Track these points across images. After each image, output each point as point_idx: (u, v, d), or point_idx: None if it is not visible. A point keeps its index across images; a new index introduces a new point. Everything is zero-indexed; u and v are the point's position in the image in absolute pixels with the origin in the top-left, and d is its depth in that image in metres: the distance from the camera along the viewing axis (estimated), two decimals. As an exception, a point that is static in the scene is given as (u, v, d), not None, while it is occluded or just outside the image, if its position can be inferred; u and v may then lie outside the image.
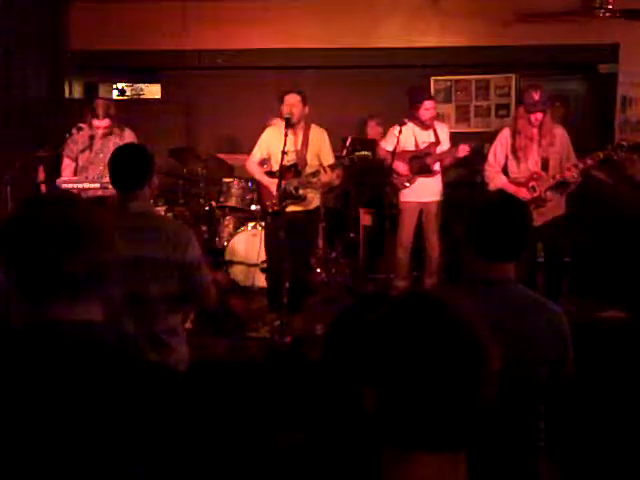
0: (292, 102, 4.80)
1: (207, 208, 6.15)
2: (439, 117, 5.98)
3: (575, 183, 4.76)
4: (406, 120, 5.26)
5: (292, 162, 4.83)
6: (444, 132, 5.54)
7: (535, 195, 4.76)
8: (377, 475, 1.09)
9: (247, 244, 5.92)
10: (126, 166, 2.77)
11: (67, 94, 6.91)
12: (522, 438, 2.08)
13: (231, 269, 5.96)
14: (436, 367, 1.02)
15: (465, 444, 1.08)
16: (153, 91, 7.45)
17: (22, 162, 4.85)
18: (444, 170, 5.61)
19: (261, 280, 5.57)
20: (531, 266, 4.80)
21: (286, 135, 4.62)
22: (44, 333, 1.24)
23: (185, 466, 1.20)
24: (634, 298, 4.97)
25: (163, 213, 5.56)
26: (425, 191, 5.49)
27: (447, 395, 1.02)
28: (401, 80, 6.47)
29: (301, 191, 4.87)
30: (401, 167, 5.45)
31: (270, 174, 4.98)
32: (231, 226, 6.20)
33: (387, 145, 5.49)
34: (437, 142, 5.46)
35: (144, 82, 7.43)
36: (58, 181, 4.89)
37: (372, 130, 6.65)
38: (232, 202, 6.07)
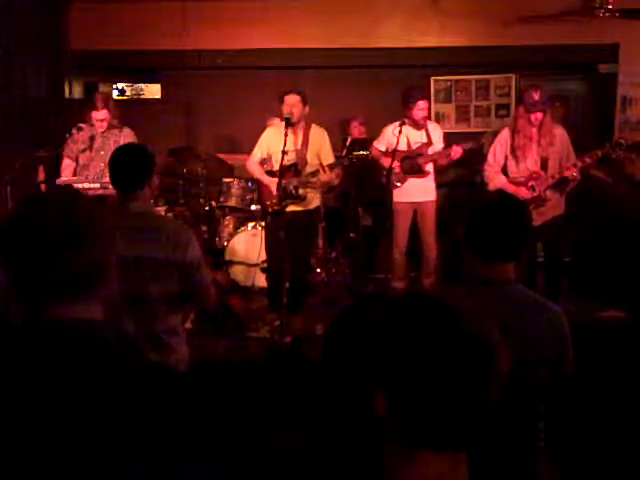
0: (292, 102, 4.80)
1: (207, 208, 6.15)
2: (439, 117, 5.98)
3: (574, 181, 4.76)
4: (406, 120, 5.25)
5: (292, 162, 4.84)
6: (437, 132, 5.51)
7: (534, 195, 4.77)
8: (378, 475, 1.09)
9: (247, 244, 5.92)
10: (126, 166, 2.77)
11: (67, 94, 6.91)
12: (522, 438, 2.08)
13: (231, 269, 5.96)
14: (443, 368, 1.02)
15: (467, 444, 1.08)
16: (153, 91, 7.45)
17: (22, 162, 4.85)
18: (441, 170, 5.60)
19: (261, 280, 5.57)
20: (531, 266, 4.81)
21: (286, 135, 4.62)
22: (44, 332, 1.24)
23: (185, 466, 1.20)
24: (634, 298, 4.97)
25: (163, 213, 5.56)
26: (417, 191, 5.45)
27: (454, 395, 1.02)
28: (401, 80, 6.44)
29: (301, 191, 4.88)
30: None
31: (270, 173, 4.99)
32: (231, 226, 6.20)
33: (380, 145, 5.49)
34: (429, 143, 5.42)
35: (144, 82, 7.43)
36: (58, 181, 4.91)
37: (355, 130, 6.67)
38: (232, 202, 6.07)
